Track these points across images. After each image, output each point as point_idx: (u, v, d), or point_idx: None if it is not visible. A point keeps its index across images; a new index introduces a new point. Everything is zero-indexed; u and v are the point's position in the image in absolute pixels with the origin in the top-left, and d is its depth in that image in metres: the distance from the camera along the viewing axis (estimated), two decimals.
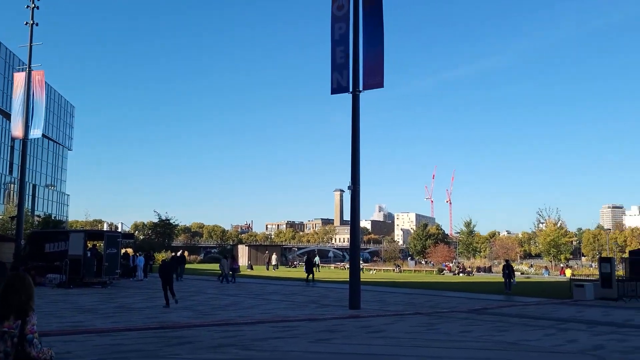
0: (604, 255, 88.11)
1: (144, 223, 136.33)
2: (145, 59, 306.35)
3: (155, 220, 69.92)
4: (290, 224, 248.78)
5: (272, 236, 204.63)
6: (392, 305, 21.11)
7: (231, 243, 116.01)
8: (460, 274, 58.53)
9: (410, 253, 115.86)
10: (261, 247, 77.90)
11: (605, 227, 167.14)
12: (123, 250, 34.77)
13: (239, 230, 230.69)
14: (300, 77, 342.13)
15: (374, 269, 65.32)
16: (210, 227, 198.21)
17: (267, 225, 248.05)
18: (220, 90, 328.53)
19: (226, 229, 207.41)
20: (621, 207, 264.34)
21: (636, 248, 73.13)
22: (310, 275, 33.88)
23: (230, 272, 33.25)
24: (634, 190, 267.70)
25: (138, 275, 33.41)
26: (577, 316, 18.89)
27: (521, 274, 63.38)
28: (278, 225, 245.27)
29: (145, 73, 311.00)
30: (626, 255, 47.74)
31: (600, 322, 17.13)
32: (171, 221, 68.89)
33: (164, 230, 68.21)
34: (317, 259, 62.43)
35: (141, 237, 79.92)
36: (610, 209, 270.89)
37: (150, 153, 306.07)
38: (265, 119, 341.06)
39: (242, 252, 76.04)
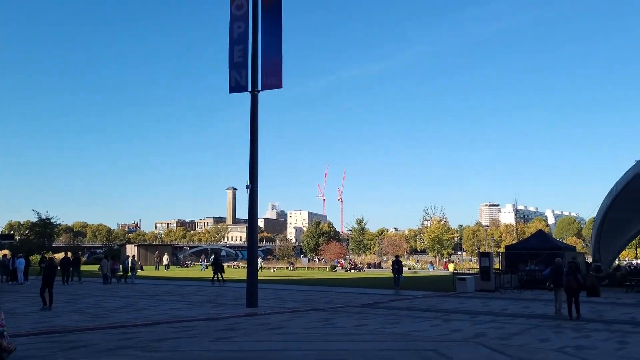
0: (482, 250, 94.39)
1: (19, 223, 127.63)
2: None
3: (34, 219, 65.57)
4: (181, 223, 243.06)
5: (162, 235, 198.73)
6: (289, 302, 21.48)
7: (118, 243, 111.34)
8: (352, 271, 60.28)
9: (303, 251, 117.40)
10: (151, 247, 75.62)
11: (483, 224, 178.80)
12: (1, 253, 32.48)
13: (127, 229, 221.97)
14: (198, 74, 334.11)
15: (274, 267, 65.58)
16: (95, 227, 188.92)
17: (156, 224, 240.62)
18: (108, 83, 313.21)
19: (112, 228, 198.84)
20: (497, 205, 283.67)
21: (510, 243, 79.03)
22: (219, 275, 33.19)
23: (130, 272, 32.40)
24: (508, 190, 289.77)
25: (19, 278, 31.39)
26: (460, 307, 20.27)
27: (408, 269, 66.41)
28: (168, 224, 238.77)
29: (23, 64, 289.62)
30: (502, 249, 51.58)
31: (481, 312, 18.52)
32: (52, 220, 64.88)
33: (43, 230, 64.07)
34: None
35: (17, 238, 74.57)
36: (487, 207, 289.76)
37: (27, 148, 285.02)
38: (155, 115, 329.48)
39: (131, 253, 73.36)
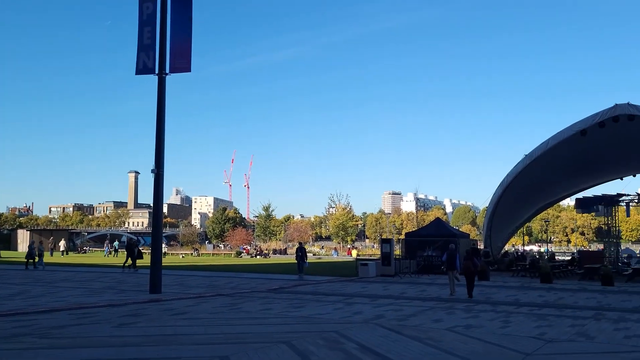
0: (384, 237, 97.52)
1: None
2: None
3: None
4: (78, 207, 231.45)
5: (57, 220, 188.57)
6: (194, 288, 21.39)
7: (8, 228, 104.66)
8: (258, 257, 60.46)
9: (208, 237, 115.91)
10: (45, 232, 71.83)
11: (386, 212, 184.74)
12: None
13: (17, 213, 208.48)
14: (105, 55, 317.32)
15: (182, 254, 64.24)
16: None
17: (50, 208, 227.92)
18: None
19: (1, 212, 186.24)
20: (399, 194, 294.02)
21: (411, 230, 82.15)
22: (130, 261, 31.56)
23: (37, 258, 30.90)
24: (410, 179, 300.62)
25: None
26: (362, 291, 21.12)
27: (313, 255, 67.53)
28: (64, 208, 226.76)
29: None
30: (402, 236, 53.72)
31: (381, 296, 19.43)
32: None
33: None
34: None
35: None
36: (390, 195, 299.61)
37: None
38: (50, 91, 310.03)
39: (23, 238, 69.30)
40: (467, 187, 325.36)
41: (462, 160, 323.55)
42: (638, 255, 49.29)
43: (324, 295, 19.65)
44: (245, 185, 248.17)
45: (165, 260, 36.17)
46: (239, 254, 64.87)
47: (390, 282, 25.37)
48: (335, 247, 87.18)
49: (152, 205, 22.07)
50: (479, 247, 39.50)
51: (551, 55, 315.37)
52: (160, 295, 18.71)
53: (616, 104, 27.08)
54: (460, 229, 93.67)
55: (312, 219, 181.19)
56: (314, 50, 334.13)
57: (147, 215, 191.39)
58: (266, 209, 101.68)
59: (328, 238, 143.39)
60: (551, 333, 11.84)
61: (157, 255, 20.44)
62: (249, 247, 73.19)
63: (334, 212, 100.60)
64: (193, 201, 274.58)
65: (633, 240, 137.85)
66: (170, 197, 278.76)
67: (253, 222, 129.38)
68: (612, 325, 12.96)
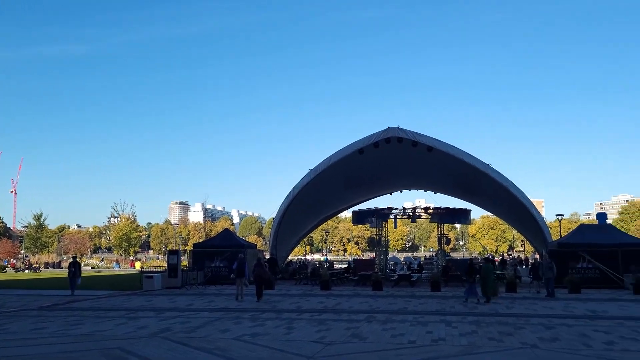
0: (170, 247, 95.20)
1: None
2: None
3: None
4: None
5: None
6: None
7: None
8: (27, 271, 54.74)
9: None
10: None
11: (172, 222, 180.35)
12: None
13: None
14: None
15: None
16: None
17: None
18: None
19: None
20: (187, 204, 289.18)
21: (198, 241, 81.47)
22: None
23: None
24: (198, 189, 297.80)
25: None
26: (146, 305, 20.38)
27: (92, 268, 63.26)
28: None
29: None
30: (190, 247, 53.05)
31: (167, 309, 18.97)
32: None
33: None
34: None
35: None
36: (177, 205, 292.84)
37: None
38: None
39: None
40: (255, 198, 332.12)
41: (251, 172, 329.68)
42: (403, 262, 55.43)
43: (105, 310, 18.56)
44: (12, 192, 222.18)
45: None
46: (2, 268, 57.94)
47: (177, 295, 24.89)
48: (117, 259, 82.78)
49: None
50: (265, 256, 40.75)
51: (333, 70, 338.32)
52: None
53: (388, 127, 30.28)
54: (247, 239, 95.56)
55: (92, 230, 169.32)
56: (113, 47, 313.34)
57: None
58: (37, 218, 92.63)
59: (109, 249, 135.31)
60: (330, 336, 12.76)
61: None
62: (14, 261, 65.74)
63: (117, 222, 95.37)
64: None
65: (399, 249, 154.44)
66: None
67: (21, 233, 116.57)
68: (381, 326, 14.40)
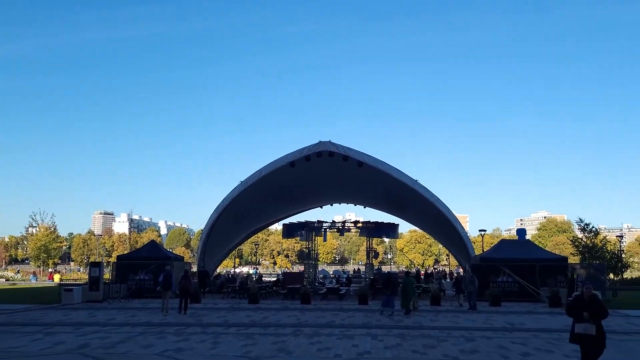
0: (93, 259, 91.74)
1: None
2: None
3: None
4: None
5: None
6: None
7: None
8: None
9: None
10: None
11: (96, 233, 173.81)
12: None
13: None
14: None
15: None
16: None
17: None
18: None
19: None
20: (112, 214, 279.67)
21: (123, 253, 79.05)
22: None
23: None
24: (124, 199, 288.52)
25: None
26: (64, 319, 19.49)
27: (6, 280, 60.01)
28: None
29: None
30: (114, 259, 51.27)
31: (87, 323, 18.20)
32: None
33: None
34: None
35: None
36: (102, 215, 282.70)
37: None
38: None
39: None
40: (184, 209, 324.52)
41: (180, 183, 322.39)
42: (332, 276, 55.77)
43: (19, 325, 17.60)
44: None
45: None
46: None
47: (98, 308, 23.95)
48: (34, 271, 78.81)
49: None
50: (192, 268, 39.95)
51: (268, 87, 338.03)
52: None
53: (320, 141, 30.55)
54: (175, 251, 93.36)
55: (7, 240, 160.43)
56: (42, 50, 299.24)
57: None
58: None
59: (25, 261, 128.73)
60: (256, 351, 12.63)
61: None
62: None
63: (35, 231, 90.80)
64: None
65: (328, 262, 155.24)
66: None
67: None
68: (308, 340, 14.40)
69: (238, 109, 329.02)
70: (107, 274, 36.76)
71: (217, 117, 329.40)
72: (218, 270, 52.46)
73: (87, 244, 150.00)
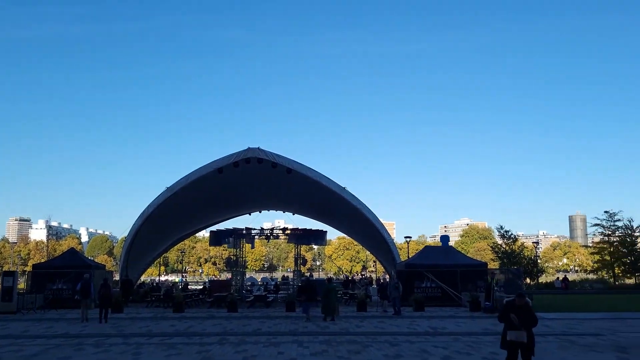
0: (7, 268, 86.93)
1: None
2: None
3: None
4: None
5: None
6: None
7: None
8: None
9: None
10: None
11: (11, 240, 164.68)
12: None
13: None
14: None
15: None
16: None
17: None
18: None
19: None
20: (29, 221, 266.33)
21: (40, 261, 75.44)
22: None
23: None
24: (42, 205, 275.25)
25: None
26: None
27: None
28: None
29: None
30: (29, 268, 48.78)
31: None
32: None
33: None
34: None
35: None
36: (17, 222, 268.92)
37: None
38: None
39: None
40: (107, 216, 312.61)
41: (102, 189, 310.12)
42: (260, 283, 55.46)
43: None
44: None
45: None
46: None
47: (11, 320, 22.71)
48: None
49: None
50: (113, 277, 38.65)
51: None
52: None
53: (249, 147, 30.34)
54: (96, 259, 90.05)
55: None
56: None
57: None
58: None
59: None
60: None
61: None
62: None
63: None
64: None
65: (257, 269, 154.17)
66: None
67: None
68: (234, 349, 14.23)
69: (164, 112, 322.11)
70: (21, 284, 34.96)
71: (143, 120, 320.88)
72: (142, 278, 51.01)
73: (1, 252, 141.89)
